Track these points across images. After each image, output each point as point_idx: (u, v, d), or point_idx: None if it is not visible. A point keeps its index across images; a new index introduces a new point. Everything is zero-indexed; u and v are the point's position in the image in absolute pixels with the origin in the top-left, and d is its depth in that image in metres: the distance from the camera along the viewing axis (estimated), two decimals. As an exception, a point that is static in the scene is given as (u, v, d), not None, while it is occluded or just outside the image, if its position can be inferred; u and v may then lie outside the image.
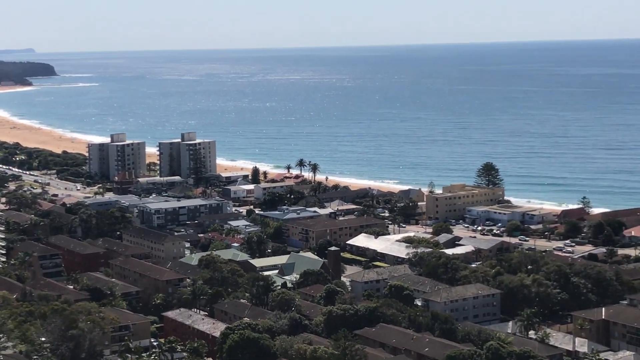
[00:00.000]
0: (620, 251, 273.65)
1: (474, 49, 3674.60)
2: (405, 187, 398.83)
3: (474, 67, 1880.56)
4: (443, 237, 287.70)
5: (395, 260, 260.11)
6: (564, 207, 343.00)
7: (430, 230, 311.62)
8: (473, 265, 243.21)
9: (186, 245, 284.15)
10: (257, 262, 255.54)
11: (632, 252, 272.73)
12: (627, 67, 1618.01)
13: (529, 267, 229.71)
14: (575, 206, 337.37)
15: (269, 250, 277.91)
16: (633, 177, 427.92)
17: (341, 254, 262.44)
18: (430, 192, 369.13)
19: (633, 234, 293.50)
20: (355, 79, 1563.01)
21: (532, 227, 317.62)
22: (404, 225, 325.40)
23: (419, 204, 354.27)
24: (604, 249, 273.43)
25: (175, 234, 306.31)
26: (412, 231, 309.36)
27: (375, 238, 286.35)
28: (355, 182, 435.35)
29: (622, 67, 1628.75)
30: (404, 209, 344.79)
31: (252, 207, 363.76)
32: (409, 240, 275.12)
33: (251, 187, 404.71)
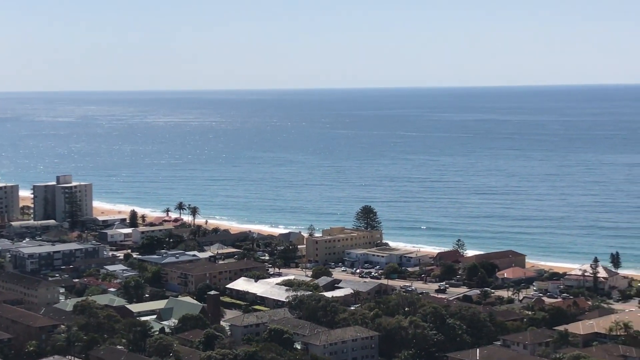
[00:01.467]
0: (494, 293, 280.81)
1: (357, 93, 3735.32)
2: (286, 231, 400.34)
3: (354, 112, 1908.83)
4: (323, 280, 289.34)
5: (275, 304, 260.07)
6: (439, 250, 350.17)
7: (310, 273, 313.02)
8: (352, 308, 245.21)
9: (61, 291, 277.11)
10: (135, 307, 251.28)
11: (504, 293, 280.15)
12: (502, 114, 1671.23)
13: (407, 309, 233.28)
14: (450, 249, 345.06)
15: (147, 295, 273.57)
16: (503, 222, 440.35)
17: (221, 298, 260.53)
18: (310, 235, 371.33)
19: (505, 275, 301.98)
20: (235, 122, 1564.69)
21: (410, 269, 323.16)
22: (279, 271, 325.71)
23: (299, 247, 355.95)
24: (478, 291, 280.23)
25: (50, 279, 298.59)
26: (292, 274, 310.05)
27: (256, 282, 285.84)
28: (235, 226, 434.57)
29: (497, 114, 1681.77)
30: (284, 252, 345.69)
31: (129, 251, 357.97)
32: (289, 284, 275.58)
33: (129, 230, 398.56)
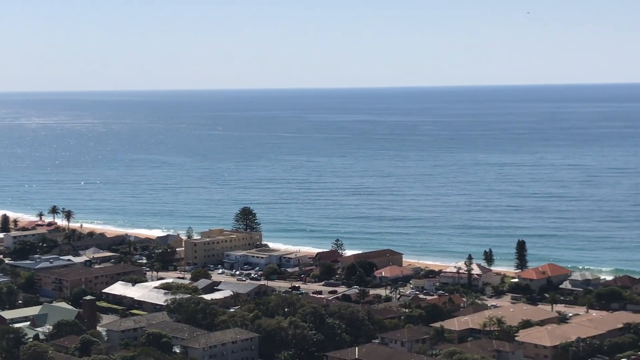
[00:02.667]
0: (372, 291, 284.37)
1: (242, 95, 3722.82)
2: (163, 233, 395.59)
3: (234, 113, 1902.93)
4: (202, 283, 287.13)
5: (154, 308, 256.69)
6: (319, 250, 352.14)
7: (189, 276, 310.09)
8: (232, 310, 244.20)
9: None
10: (7, 314, 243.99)
11: (382, 292, 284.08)
12: (378, 115, 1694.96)
13: (286, 309, 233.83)
14: (329, 249, 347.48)
15: (20, 302, 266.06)
16: (380, 222, 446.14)
17: (97, 302, 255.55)
18: (189, 237, 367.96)
19: (383, 274, 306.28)
20: (109, 124, 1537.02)
21: (289, 270, 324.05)
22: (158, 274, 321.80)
23: (177, 249, 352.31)
24: (356, 290, 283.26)
25: None
26: (171, 277, 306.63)
27: (133, 286, 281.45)
28: (111, 229, 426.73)
29: (373, 115, 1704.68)
30: (162, 255, 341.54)
31: (1, 256, 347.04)
32: (167, 287, 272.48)
33: (0, 235, 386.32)
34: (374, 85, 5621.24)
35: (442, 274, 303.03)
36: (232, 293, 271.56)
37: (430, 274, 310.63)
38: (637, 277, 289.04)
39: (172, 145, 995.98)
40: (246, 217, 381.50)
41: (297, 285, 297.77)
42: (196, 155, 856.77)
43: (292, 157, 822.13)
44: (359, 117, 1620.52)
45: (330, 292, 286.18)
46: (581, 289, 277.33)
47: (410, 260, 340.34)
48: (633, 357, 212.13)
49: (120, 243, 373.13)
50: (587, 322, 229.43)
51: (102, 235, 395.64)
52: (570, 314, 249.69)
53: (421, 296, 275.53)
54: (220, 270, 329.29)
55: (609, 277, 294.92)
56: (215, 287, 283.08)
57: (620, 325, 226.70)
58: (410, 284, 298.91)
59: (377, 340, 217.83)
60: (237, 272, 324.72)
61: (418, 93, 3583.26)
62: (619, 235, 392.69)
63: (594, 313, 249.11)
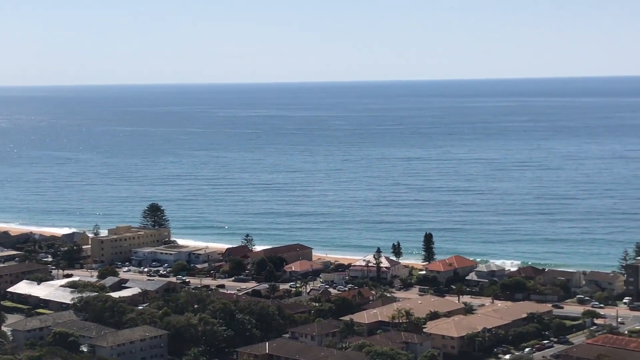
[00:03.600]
0: (282, 286, 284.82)
1: (139, 90, 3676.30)
2: (69, 231, 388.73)
3: (141, 109, 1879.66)
4: (109, 280, 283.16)
5: (60, 307, 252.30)
6: (228, 246, 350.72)
7: (96, 273, 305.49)
8: (140, 308, 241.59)
9: None
10: None
11: (292, 286, 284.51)
12: (287, 110, 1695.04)
13: (196, 306, 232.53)
14: (239, 245, 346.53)
15: None
16: (290, 218, 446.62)
17: (1, 302, 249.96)
18: (95, 234, 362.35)
19: (293, 268, 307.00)
20: (12, 120, 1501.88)
21: (199, 266, 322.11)
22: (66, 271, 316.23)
23: (83, 247, 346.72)
24: (266, 285, 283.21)
25: None
26: (78, 275, 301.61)
27: (38, 284, 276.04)
28: (15, 227, 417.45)
29: (282, 110, 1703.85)
30: (68, 253, 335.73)
31: None
32: (73, 285, 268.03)
33: None
34: (285, 80, 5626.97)
35: (351, 267, 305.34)
36: (140, 290, 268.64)
37: (340, 267, 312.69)
38: (541, 268, 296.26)
39: (77, 142, 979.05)
40: (154, 213, 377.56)
41: (222, 284, 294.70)
42: (102, 152, 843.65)
43: (200, 152, 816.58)
44: (268, 112, 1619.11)
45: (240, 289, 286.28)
46: (487, 280, 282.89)
47: (320, 254, 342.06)
48: (537, 345, 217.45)
49: (24, 241, 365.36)
50: (493, 313, 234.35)
51: (5, 233, 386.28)
52: (476, 305, 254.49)
53: (331, 290, 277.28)
54: (127, 268, 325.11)
55: (514, 268, 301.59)
56: (123, 285, 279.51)
57: (525, 315, 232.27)
58: (320, 278, 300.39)
59: (287, 335, 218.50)
60: (146, 269, 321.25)
61: (329, 88, 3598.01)
62: (523, 227, 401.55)
63: (499, 303, 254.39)
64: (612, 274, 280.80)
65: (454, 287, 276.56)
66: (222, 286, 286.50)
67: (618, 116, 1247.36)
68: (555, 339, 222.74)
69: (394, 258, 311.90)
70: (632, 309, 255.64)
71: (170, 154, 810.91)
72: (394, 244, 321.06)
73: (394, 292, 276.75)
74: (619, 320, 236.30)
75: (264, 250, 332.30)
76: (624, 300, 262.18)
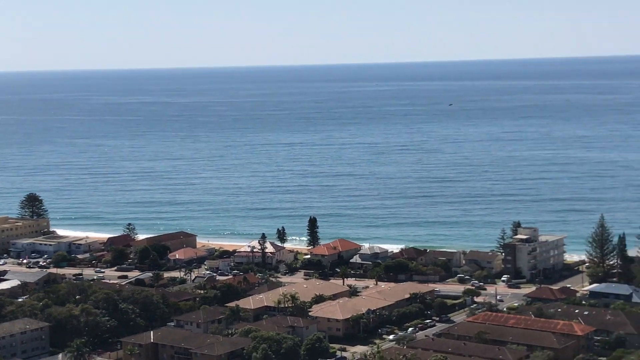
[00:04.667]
0: (166, 274, 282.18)
1: (12, 77, 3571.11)
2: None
3: (13, 96, 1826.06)
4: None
5: None
6: (110, 236, 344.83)
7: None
8: (20, 300, 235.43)
9: None
10: None
11: (177, 274, 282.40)
12: (168, 96, 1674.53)
13: (78, 297, 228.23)
14: (121, 234, 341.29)
15: None
16: (174, 206, 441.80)
17: None
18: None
19: (177, 256, 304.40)
20: None
21: (80, 256, 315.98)
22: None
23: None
24: (150, 274, 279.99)
25: None
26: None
27: None
28: None
29: (163, 96, 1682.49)
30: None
31: None
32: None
33: None
34: (164, 67, 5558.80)
35: (236, 253, 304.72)
36: (19, 282, 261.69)
37: (225, 254, 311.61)
38: (423, 249, 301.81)
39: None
40: (32, 204, 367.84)
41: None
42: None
43: (79, 141, 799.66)
44: (148, 99, 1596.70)
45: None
46: (370, 263, 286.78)
47: (204, 241, 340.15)
48: (420, 325, 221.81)
49: None
50: (377, 294, 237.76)
51: None
52: (360, 287, 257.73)
53: (216, 277, 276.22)
54: (2, 261, 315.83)
55: (397, 250, 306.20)
56: (1, 277, 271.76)
57: (408, 296, 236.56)
58: (205, 265, 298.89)
59: (172, 323, 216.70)
60: (25, 261, 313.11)
61: (209, 74, 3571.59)
62: (405, 210, 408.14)
63: (382, 285, 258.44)
64: (490, 253, 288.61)
65: (338, 270, 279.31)
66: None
67: (494, 99, 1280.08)
68: (438, 318, 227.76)
69: (279, 243, 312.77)
70: (510, 286, 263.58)
71: (48, 142, 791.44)
72: (278, 229, 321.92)
73: (279, 277, 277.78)
74: (498, 297, 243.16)
75: (147, 238, 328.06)
76: (502, 279, 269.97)
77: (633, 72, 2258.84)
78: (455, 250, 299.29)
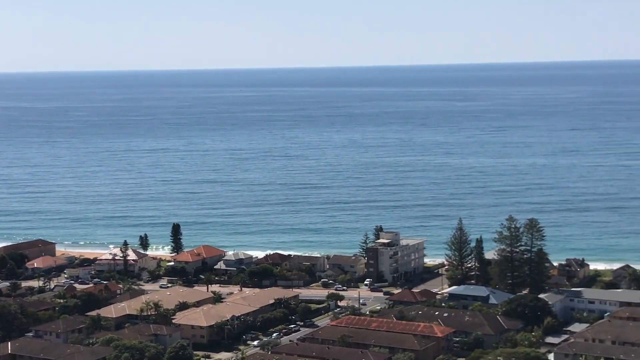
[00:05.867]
0: (24, 283, 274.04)
1: None
2: None
3: None
4: None
5: None
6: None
7: None
8: None
9: None
10: None
11: (35, 283, 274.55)
12: (26, 101, 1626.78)
13: None
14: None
15: None
16: (31, 216, 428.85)
17: None
18: None
19: (36, 265, 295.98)
20: None
21: None
22: None
23: None
24: (7, 283, 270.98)
25: None
26: None
27: None
28: None
29: (22, 101, 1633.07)
30: None
31: None
32: None
33: None
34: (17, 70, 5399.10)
35: (97, 261, 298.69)
36: None
37: (85, 262, 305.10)
38: (287, 254, 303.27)
39: None
40: None
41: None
42: None
43: None
44: (6, 104, 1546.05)
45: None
46: (235, 269, 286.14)
47: (64, 249, 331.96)
48: (284, 330, 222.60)
49: None
50: (241, 300, 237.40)
51: None
52: (225, 294, 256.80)
53: (76, 285, 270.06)
54: None
55: (262, 256, 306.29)
56: None
57: (272, 301, 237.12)
58: (65, 273, 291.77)
59: (30, 334, 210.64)
60: None
61: (69, 78, 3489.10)
62: (269, 217, 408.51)
63: (247, 291, 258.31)
64: (354, 258, 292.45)
65: (202, 277, 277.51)
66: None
67: (356, 105, 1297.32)
68: (302, 323, 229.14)
69: (141, 251, 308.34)
70: (372, 290, 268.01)
71: None
72: (141, 236, 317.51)
73: (142, 285, 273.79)
74: (361, 301, 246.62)
75: (3, 247, 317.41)
76: (365, 282, 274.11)
77: (487, 79, 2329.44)
78: (319, 255, 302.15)
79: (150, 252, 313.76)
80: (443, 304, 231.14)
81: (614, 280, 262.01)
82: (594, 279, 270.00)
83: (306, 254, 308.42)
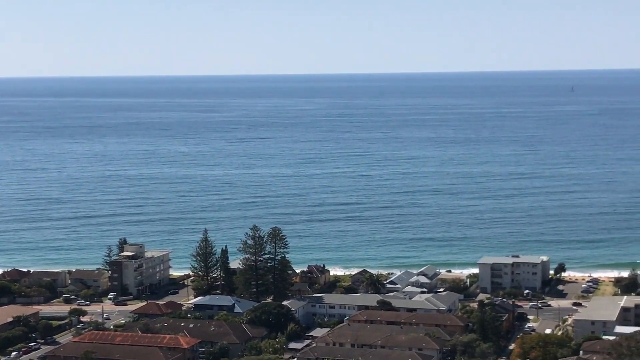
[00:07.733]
0: None
1: None
2: None
3: None
4: None
5: None
6: None
7: None
8: None
9: None
10: None
11: None
12: None
13: None
14: None
15: None
16: None
17: None
18: None
19: None
20: None
21: None
22: None
23: None
24: None
25: None
26: None
27: None
28: None
29: None
30: None
31: None
32: None
33: None
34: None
35: None
36: None
37: None
38: (26, 270, 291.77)
39: None
40: None
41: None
42: None
43: None
44: None
45: None
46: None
47: None
48: (24, 349, 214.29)
49: None
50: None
51: None
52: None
53: None
54: None
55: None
56: None
57: (11, 319, 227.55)
58: None
59: None
60: None
61: None
62: (7, 235, 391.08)
63: None
64: (97, 272, 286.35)
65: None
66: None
67: (97, 116, 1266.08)
68: (43, 340, 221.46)
69: None
70: (117, 304, 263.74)
71: None
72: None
73: None
74: (104, 316, 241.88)
75: None
76: (109, 296, 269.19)
77: (230, 91, 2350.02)
78: (60, 270, 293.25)
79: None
80: (189, 315, 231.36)
81: (353, 285, 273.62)
82: (334, 285, 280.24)
83: (47, 270, 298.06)
